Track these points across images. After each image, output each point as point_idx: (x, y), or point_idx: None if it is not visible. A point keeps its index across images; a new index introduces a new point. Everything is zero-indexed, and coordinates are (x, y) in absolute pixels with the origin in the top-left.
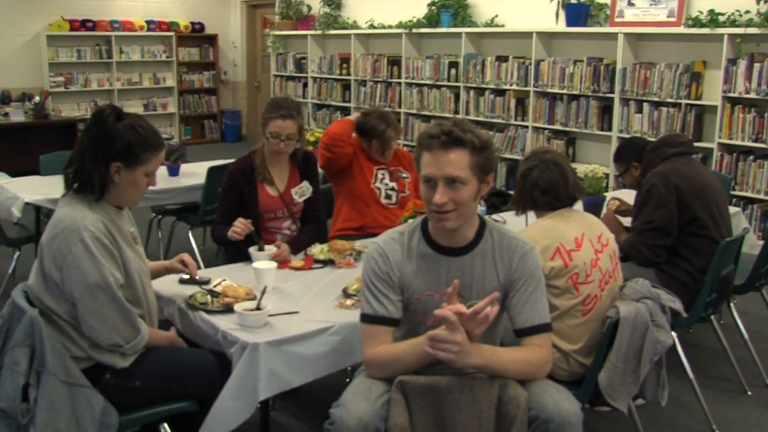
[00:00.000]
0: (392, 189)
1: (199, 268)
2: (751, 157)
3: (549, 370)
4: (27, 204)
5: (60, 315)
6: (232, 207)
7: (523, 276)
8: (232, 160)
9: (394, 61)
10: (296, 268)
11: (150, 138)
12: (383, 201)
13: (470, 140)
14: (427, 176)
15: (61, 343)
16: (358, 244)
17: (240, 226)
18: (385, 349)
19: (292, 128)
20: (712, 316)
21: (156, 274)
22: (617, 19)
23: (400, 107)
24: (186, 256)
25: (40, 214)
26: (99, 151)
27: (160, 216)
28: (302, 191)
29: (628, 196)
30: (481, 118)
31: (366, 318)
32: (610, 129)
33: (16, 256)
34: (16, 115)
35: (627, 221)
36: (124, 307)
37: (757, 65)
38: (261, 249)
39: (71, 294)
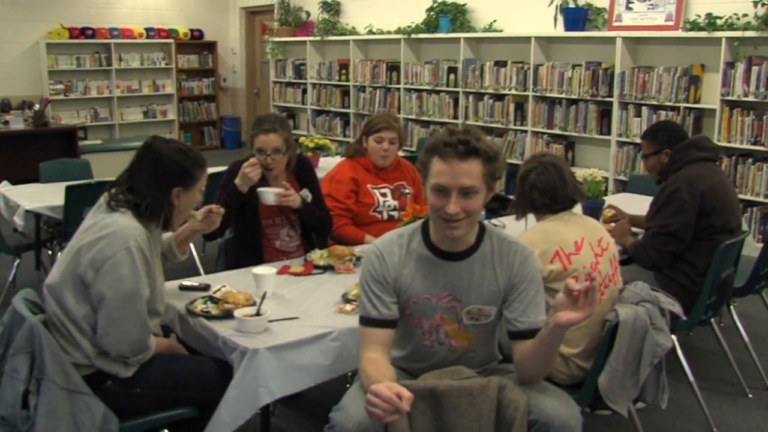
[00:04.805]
0: (394, 209)
1: (198, 274)
2: (750, 160)
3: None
4: (27, 212)
5: (73, 318)
6: None
7: (524, 280)
8: None
9: (393, 67)
10: (296, 274)
11: (198, 157)
12: (384, 221)
13: (484, 150)
14: (440, 185)
15: (64, 348)
16: (357, 249)
17: (251, 170)
18: (366, 369)
19: (276, 141)
20: (712, 319)
21: (186, 238)
22: (615, 24)
23: (399, 113)
24: (214, 207)
25: (40, 221)
26: (162, 182)
27: None
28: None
29: (624, 202)
30: (480, 123)
31: (361, 320)
32: (609, 133)
33: (16, 264)
34: (16, 122)
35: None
36: (144, 323)
37: (755, 68)
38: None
39: (99, 297)
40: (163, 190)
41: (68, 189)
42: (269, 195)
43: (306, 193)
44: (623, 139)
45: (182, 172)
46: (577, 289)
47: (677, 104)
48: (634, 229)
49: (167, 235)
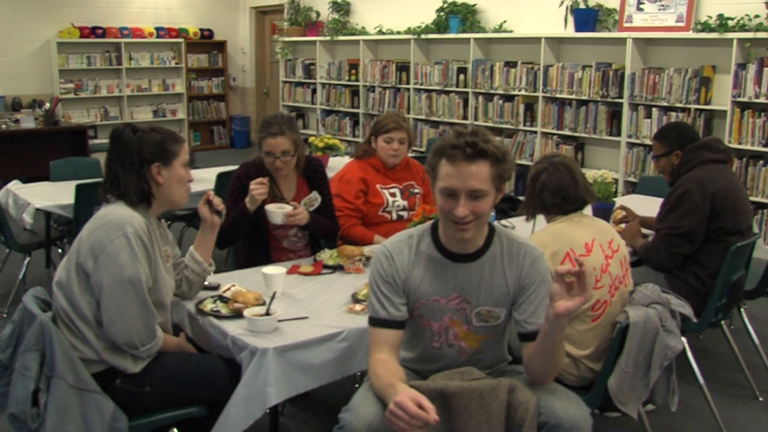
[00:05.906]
0: (403, 209)
1: (209, 273)
2: (761, 162)
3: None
4: (37, 210)
5: (81, 311)
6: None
7: (534, 281)
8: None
9: (403, 67)
10: (305, 274)
11: (171, 133)
12: (393, 221)
13: (492, 152)
14: (448, 188)
15: (73, 345)
16: (367, 249)
17: (257, 187)
18: (376, 370)
19: (284, 144)
20: (723, 322)
21: (207, 244)
22: (626, 24)
23: (408, 113)
24: (210, 193)
25: (50, 220)
26: (135, 162)
27: (169, 222)
28: (310, 202)
29: (635, 203)
30: (489, 124)
31: (371, 321)
32: (619, 134)
33: (26, 262)
34: (27, 121)
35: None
36: (149, 307)
37: (766, 69)
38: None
39: (100, 286)
40: (139, 171)
41: (78, 187)
42: (277, 215)
43: (315, 196)
44: (633, 140)
45: (154, 148)
46: (565, 272)
47: (688, 105)
48: (644, 231)
49: (188, 252)
